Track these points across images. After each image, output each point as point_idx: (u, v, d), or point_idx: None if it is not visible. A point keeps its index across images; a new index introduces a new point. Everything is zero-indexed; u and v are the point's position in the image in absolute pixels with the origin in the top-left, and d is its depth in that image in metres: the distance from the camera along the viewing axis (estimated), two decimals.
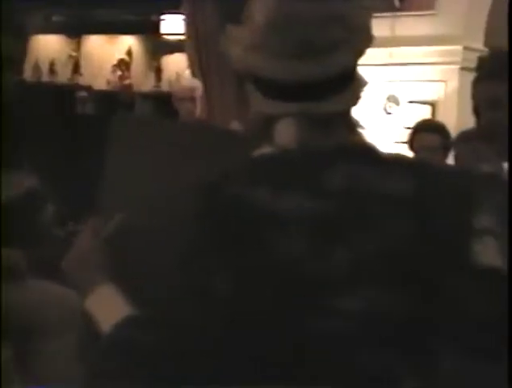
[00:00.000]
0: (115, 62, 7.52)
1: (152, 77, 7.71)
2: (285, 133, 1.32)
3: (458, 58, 5.62)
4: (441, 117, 5.32)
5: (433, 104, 5.70)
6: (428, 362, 1.24)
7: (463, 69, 5.54)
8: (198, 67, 5.89)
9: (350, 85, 1.32)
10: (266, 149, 1.34)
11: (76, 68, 7.43)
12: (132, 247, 1.43)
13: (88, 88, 7.32)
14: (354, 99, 1.32)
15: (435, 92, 5.73)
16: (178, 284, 1.26)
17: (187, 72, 7.23)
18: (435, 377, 1.25)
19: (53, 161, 5.82)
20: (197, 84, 5.12)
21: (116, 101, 7.28)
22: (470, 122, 4.70)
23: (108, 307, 1.33)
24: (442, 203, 1.30)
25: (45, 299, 2.30)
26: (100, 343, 1.30)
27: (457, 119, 5.29)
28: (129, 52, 7.64)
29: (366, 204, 1.26)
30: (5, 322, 2.15)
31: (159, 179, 1.44)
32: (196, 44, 6.10)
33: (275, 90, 1.31)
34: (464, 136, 3.35)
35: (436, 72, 5.74)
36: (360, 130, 1.35)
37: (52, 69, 7.34)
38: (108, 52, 7.72)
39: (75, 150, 6.33)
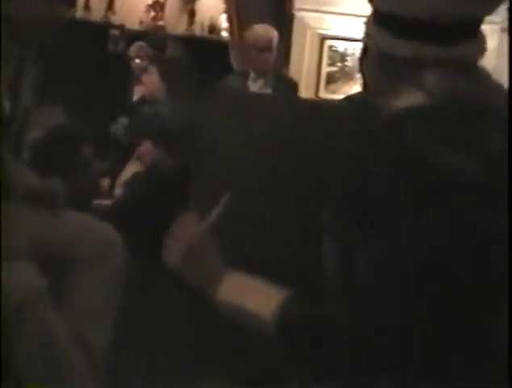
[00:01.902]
0: (149, 2, 7.45)
1: (185, 19, 7.64)
2: (434, 79, 1.23)
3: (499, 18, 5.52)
4: None
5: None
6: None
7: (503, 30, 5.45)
8: (235, 12, 5.80)
9: (478, 35, 1.27)
10: (413, 100, 1.23)
11: (110, 5, 7.36)
12: (246, 227, 1.35)
13: (121, 27, 7.27)
14: (482, 50, 1.27)
15: None
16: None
17: (222, 16, 7.16)
18: None
19: (83, 98, 5.81)
20: (275, 33, 4.80)
21: (148, 42, 7.23)
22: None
23: (248, 293, 1.27)
24: None
25: (80, 231, 2.31)
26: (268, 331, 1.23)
27: None
28: None
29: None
30: (40, 252, 2.17)
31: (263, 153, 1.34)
32: None
33: (412, 29, 1.23)
34: None
35: None
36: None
37: (86, 5, 7.28)
38: None
39: (105, 89, 6.31)
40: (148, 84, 5.16)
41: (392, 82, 1.27)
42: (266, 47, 4.62)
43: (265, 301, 1.24)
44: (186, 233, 1.37)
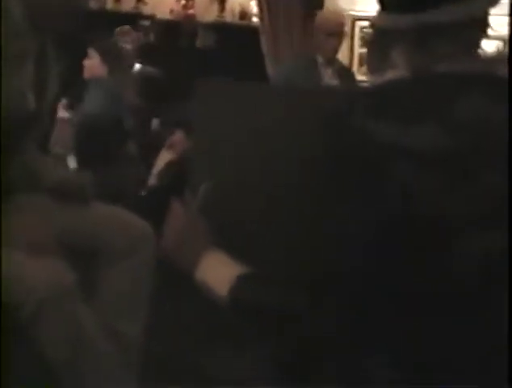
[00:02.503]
0: None
1: (215, 7, 7.63)
2: (406, 53, 1.24)
3: None
4: None
5: (504, 40, 5.51)
6: None
7: None
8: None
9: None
10: (389, 75, 1.26)
11: None
12: (231, 209, 1.41)
13: (151, 17, 7.28)
14: (471, 14, 1.24)
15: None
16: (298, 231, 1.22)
17: (253, 2, 7.13)
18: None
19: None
20: (345, 18, 4.58)
21: (179, 31, 7.24)
22: None
23: (219, 273, 1.31)
24: None
25: (110, 223, 2.31)
26: (220, 308, 1.29)
27: None
28: None
29: (494, 140, 1.19)
30: (69, 246, 2.17)
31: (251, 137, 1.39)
32: None
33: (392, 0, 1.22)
34: None
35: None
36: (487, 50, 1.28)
37: None
38: None
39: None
40: (89, 67, 5.02)
41: (373, 58, 1.27)
42: (335, 32, 4.33)
43: (224, 278, 1.28)
44: (172, 217, 1.42)
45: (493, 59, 1.29)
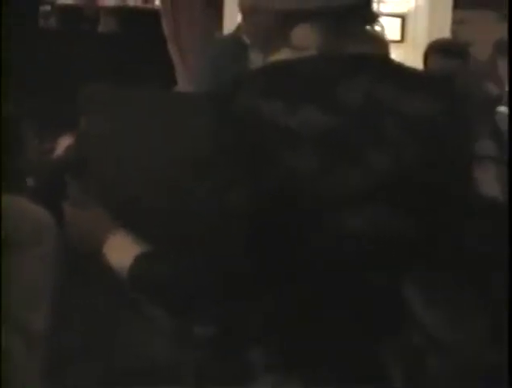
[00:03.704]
0: None
1: None
2: (302, 36, 1.24)
3: None
4: (411, 31, 5.24)
5: (403, 17, 5.61)
6: (429, 283, 1.22)
7: None
8: None
9: None
10: (280, 56, 1.26)
11: None
12: (133, 186, 1.42)
13: (51, 2, 7.14)
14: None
15: (405, 4, 5.64)
16: (192, 207, 1.22)
17: None
18: (435, 295, 1.22)
19: (16, 77, 5.69)
20: None
21: (81, 16, 7.12)
22: (440, 35, 4.62)
23: (121, 253, 1.32)
24: (451, 126, 1.26)
25: (12, 214, 2.27)
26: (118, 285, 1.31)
27: (428, 32, 5.22)
28: None
29: (381, 122, 1.21)
30: None
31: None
32: None
33: None
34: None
35: None
36: (381, 32, 1.29)
37: None
38: None
39: (38, 67, 6.19)
40: None
41: (268, 40, 1.28)
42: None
43: (125, 258, 1.29)
44: (69, 204, 1.44)
45: (384, 39, 1.32)
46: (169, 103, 1.45)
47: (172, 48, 5.43)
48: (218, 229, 1.18)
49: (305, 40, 1.24)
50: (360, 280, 1.19)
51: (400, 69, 1.28)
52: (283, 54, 1.26)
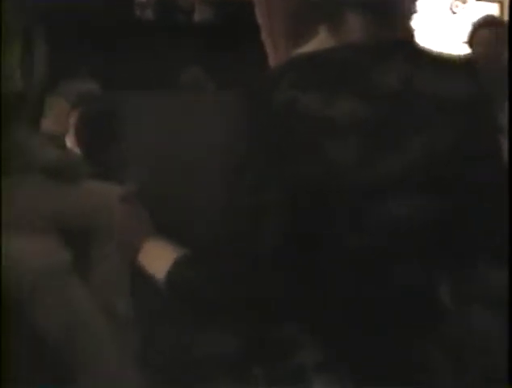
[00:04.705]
0: None
1: None
2: (334, 26, 1.24)
3: None
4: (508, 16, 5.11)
5: (501, 2, 5.48)
6: (464, 268, 1.21)
7: None
8: None
9: None
10: (313, 46, 1.27)
11: None
12: (167, 195, 1.44)
13: None
14: None
15: None
16: (230, 207, 1.22)
17: None
18: (469, 281, 1.22)
19: (111, 70, 5.79)
20: None
21: (175, 7, 7.20)
22: None
23: (158, 258, 1.31)
24: (482, 108, 1.26)
25: (102, 201, 2.32)
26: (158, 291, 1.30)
27: None
28: None
29: (419, 106, 1.20)
30: (63, 224, 2.18)
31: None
32: None
33: None
34: None
35: None
36: (413, 22, 1.28)
37: None
38: None
39: (133, 59, 6.30)
40: None
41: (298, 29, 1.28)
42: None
43: (162, 263, 1.28)
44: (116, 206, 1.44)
45: (409, 27, 1.31)
46: (205, 103, 1.47)
47: (265, 37, 5.45)
48: (258, 226, 1.17)
49: (337, 30, 1.24)
50: (403, 270, 1.18)
51: (431, 54, 1.27)
52: (313, 45, 1.26)
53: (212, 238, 1.25)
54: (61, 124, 3.95)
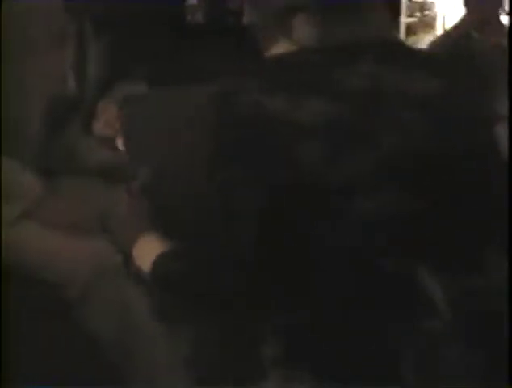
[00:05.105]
0: None
1: None
2: (302, 28, 1.24)
3: None
4: None
5: None
6: (443, 259, 1.20)
7: None
8: None
9: None
10: (280, 49, 1.27)
11: None
12: (162, 192, 1.47)
13: None
14: None
15: None
16: (206, 208, 1.23)
17: None
18: (450, 272, 1.20)
19: (163, 73, 5.83)
20: None
21: (225, 9, 7.23)
22: None
23: (148, 252, 1.34)
24: (460, 99, 1.26)
25: None
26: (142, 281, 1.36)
27: None
28: None
29: (387, 104, 1.20)
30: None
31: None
32: None
33: None
34: None
35: None
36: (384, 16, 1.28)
37: None
38: None
39: (187, 62, 6.33)
40: None
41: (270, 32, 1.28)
42: None
43: (151, 256, 1.30)
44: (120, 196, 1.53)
45: (383, 25, 1.30)
46: (174, 101, 1.48)
47: None
48: (228, 227, 1.18)
49: (303, 31, 1.24)
50: (373, 266, 1.17)
51: (400, 50, 1.27)
52: (282, 47, 1.26)
53: (194, 234, 1.25)
54: (112, 127, 3.98)
